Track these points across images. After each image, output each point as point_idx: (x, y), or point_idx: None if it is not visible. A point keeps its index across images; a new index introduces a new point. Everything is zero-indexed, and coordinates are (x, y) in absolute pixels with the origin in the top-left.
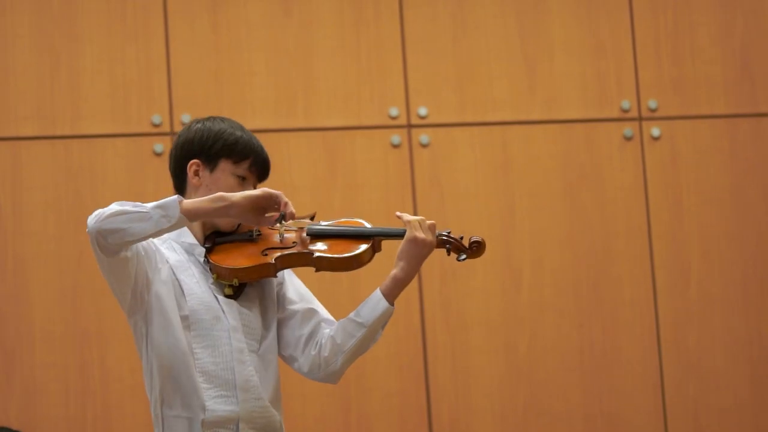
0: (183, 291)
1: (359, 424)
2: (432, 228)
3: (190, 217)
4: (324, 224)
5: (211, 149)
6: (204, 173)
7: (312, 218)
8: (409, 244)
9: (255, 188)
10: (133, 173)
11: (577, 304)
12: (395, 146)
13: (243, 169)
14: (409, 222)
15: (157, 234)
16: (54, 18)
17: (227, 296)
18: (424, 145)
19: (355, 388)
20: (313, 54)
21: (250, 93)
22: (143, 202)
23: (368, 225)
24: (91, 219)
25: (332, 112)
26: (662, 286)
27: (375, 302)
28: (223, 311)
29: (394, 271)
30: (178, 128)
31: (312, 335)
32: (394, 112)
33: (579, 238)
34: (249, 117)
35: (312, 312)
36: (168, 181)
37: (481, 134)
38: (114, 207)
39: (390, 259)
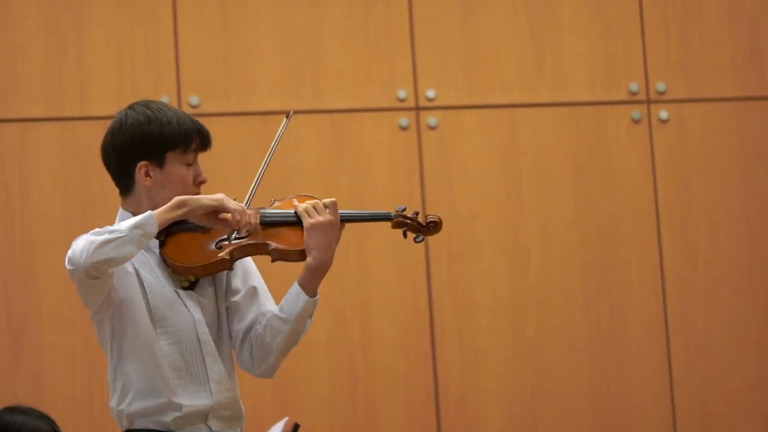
0: (144, 286)
1: (366, 405)
2: (331, 205)
3: (159, 227)
4: (276, 211)
5: (157, 148)
6: (154, 172)
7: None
8: (309, 233)
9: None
10: None
11: (584, 285)
12: (403, 128)
13: (190, 154)
14: (302, 211)
15: None
16: None
17: (184, 288)
18: (432, 128)
19: (362, 370)
20: (321, 35)
21: (258, 74)
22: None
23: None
24: (78, 256)
25: (340, 94)
26: (670, 268)
27: (295, 296)
28: (184, 305)
29: (308, 260)
30: (185, 109)
31: (248, 331)
32: (402, 94)
33: (587, 221)
34: (257, 98)
35: (251, 305)
36: None
37: (489, 117)
38: (93, 238)
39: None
